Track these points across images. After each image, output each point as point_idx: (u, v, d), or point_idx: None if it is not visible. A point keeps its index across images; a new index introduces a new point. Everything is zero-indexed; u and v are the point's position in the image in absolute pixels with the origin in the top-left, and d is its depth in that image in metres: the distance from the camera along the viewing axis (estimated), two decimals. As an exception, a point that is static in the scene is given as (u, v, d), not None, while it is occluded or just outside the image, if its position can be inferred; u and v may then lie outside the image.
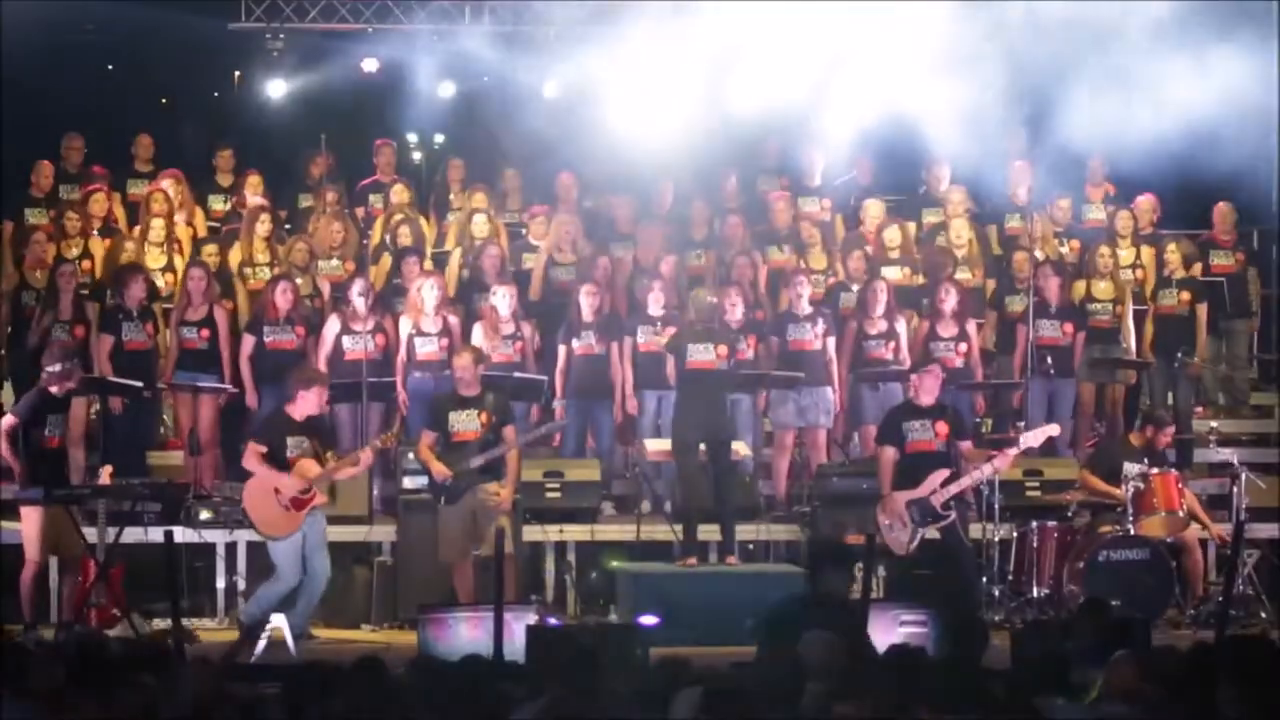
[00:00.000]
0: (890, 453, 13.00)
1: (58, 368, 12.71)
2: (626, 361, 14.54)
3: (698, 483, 13.36)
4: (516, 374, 14.31)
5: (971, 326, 14.91)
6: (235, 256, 15.49)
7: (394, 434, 13.55)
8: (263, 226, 15.52)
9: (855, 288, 15.25)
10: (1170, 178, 15.72)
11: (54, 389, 12.68)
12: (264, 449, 12.59)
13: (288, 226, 16.28)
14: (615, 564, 13.61)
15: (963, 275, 15.53)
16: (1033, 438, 13.07)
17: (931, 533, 12.79)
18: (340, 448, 14.09)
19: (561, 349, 14.62)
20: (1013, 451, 12.99)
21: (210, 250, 15.27)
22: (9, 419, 12.55)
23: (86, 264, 15.18)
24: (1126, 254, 15.89)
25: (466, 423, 13.01)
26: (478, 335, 14.39)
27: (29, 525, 12.45)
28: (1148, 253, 16.01)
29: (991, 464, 12.95)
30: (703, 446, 13.31)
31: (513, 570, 12.39)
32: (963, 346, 14.78)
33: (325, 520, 12.75)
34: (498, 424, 13.01)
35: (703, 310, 13.65)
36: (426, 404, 13.71)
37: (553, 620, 10.58)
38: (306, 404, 12.68)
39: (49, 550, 12.54)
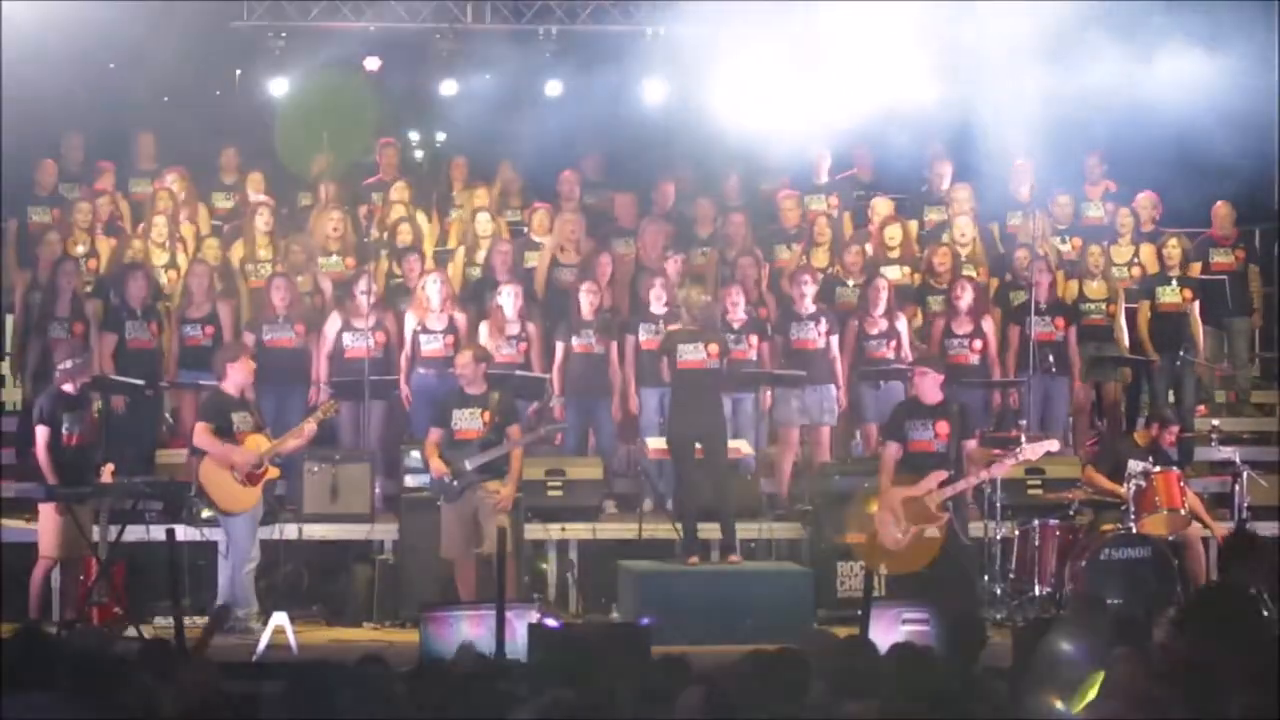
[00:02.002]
0: (893, 449, 12.99)
1: (69, 364, 12.74)
2: (628, 359, 14.55)
3: (694, 481, 13.37)
4: (519, 372, 14.32)
5: (988, 324, 14.91)
6: (237, 253, 15.51)
7: (334, 404, 13.62)
8: (264, 223, 15.54)
9: (851, 283, 15.25)
10: (1173, 175, 15.74)
11: (68, 386, 12.70)
12: (211, 426, 12.76)
13: (289, 225, 16.27)
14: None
15: (968, 273, 15.53)
16: (1031, 450, 13.06)
17: (932, 531, 12.77)
18: (342, 445, 14.18)
19: (559, 346, 14.62)
20: (1010, 461, 13.00)
21: (211, 245, 15.29)
22: (42, 431, 12.59)
23: (93, 263, 15.19)
24: (1126, 251, 15.90)
25: (469, 420, 13.04)
26: (483, 334, 14.41)
27: (46, 521, 12.46)
28: (1147, 250, 16.02)
29: (989, 470, 12.95)
30: (698, 445, 13.31)
31: (513, 569, 12.39)
32: (978, 344, 14.80)
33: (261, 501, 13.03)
34: (501, 423, 13.02)
35: (694, 309, 13.65)
36: (433, 401, 13.73)
37: (550, 621, 10.55)
38: (237, 377, 12.93)
39: (64, 548, 12.53)
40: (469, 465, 12.88)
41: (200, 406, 13.51)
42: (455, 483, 12.87)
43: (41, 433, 12.60)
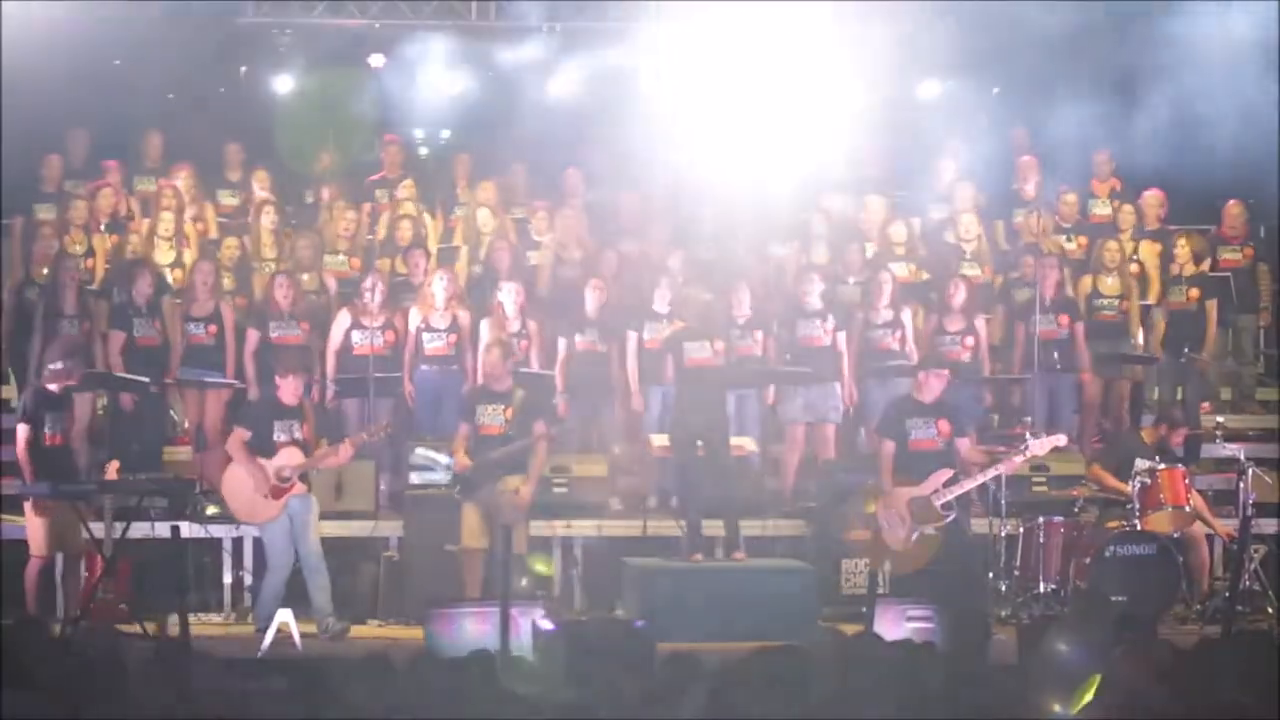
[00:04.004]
0: (890, 446, 12.98)
1: (59, 365, 12.72)
2: (632, 357, 14.55)
3: (697, 479, 13.38)
4: (522, 369, 14.32)
5: (980, 321, 14.89)
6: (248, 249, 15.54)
7: (383, 426, 13.57)
8: (268, 220, 15.56)
9: (852, 280, 15.25)
10: (1179, 173, 15.74)
11: (52, 386, 12.68)
12: (247, 435, 12.72)
13: (294, 223, 16.29)
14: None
15: (972, 270, 15.53)
16: (1039, 446, 13.06)
17: (929, 529, 12.77)
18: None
19: (561, 343, 14.62)
20: (1018, 459, 12.99)
21: (231, 244, 15.30)
22: (23, 428, 12.58)
23: (89, 262, 15.19)
24: (1126, 249, 15.88)
25: (492, 417, 13.05)
26: (484, 331, 14.41)
27: (32, 520, 12.47)
28: (1148, 248, 16.01)
29: (996, 468, 12.94)
30: (700, 443, 13.31)
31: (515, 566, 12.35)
32: (969, 341, 14.77)
33: (314, 506, 12.86)
34: (524, 420, 13.00)
35: (697, 308, 13.64)
36: (459, 397, 13.81)
37: (548, 624, 10.55)
38: (287, 389, 12.82)
39: (54, 545, 12.55)
40: (489, 458, 12.86)
41: (241, 411, 13.54)
42: (479, 475, 12.86)
43: (22, 430, 12.58)
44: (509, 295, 14.58)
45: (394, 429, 13.75)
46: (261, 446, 12.73)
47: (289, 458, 12.68)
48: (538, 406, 13.35)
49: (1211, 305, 15.59)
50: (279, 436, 12.75)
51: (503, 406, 13.05)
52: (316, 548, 12.76)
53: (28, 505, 12.53)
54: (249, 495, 12.70)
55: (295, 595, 13.01)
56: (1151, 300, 15.73)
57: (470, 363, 14.48)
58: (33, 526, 12.50)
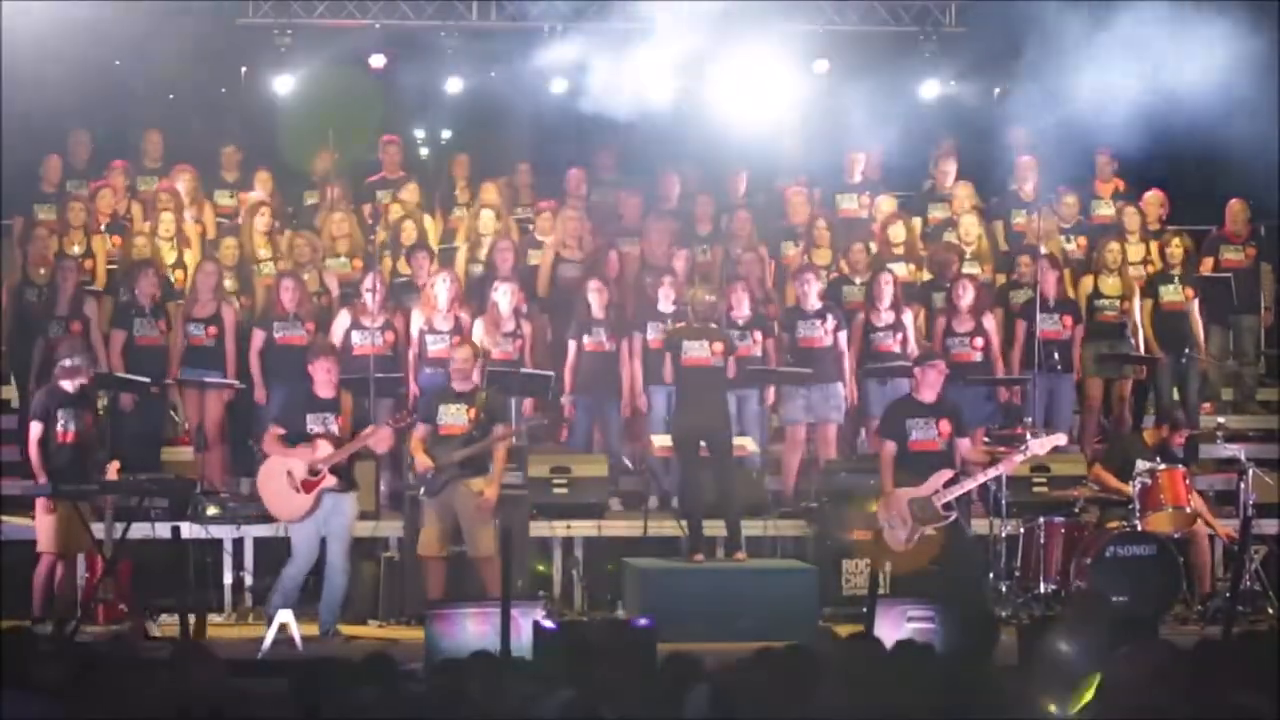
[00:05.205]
0: (891, 447, 12.97)
1: (69, 362, 12.73)
2: (635, 358, 14.54)
3: (699, 479, 13.37)
4: (523, 369, 14.31)
5: (989, 321, 14.88)
6: (245, 251, 15.52)
7: (407, 414, 13.52)
8: (261, 221, 15.55)
9: (858, 280, 15.25)
10: (1180, 173, 15.72)
11: (66, 384, 12.69)
12: (282, 431, 12.72)
13: (295, 222, 16.29)
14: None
15: (973, 270, 15.53)
16: (1039, 445, 13.06)
17: (930, 530, 12.76)
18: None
19: (571, 345, 14.61)
20: (1018, 458, 12.99)
21: (230, 244, 15.31)
22: (35, 427, 12.58)
23: (89, 262, 15.18)
24: (1137, 250, 15.87)
25: (455, 416, 12.98)
26: (478, 331, 14.39)
27: (43, 519, 12.46)
28: (1156, 248, 15.99)
29: (996, 468, 12.93)
30: (702, 443, 13.30)
31: (493, 567, 12.24)
32: (979, 341, 14.77)
33: (352, 512, 12.84)
34: (486, 421, 12.94)
35: (699, 308, 13.64)
36: (424, 397, 13.75)
37: (548, 622, 10.53)
38: (318, 377, 12.84)
39: (64, 543, 12.52)
40: (451, 459, 12.82)
41: (276, 407, 13.59)
42: (441, 477, 12.82)
43: (35, 429, 12.60)
44: (504, 295, 14.57)
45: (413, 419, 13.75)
46: (297, 441, 12.73)
47: (318, 449, 12.67)
48: (503, 408, 13.32)
49: (1198, 304, 15.56)
50: (313, 429, 12.74)
51: (466, 407, 13.00)
52: (342, 559, 12.78)
53: (39, 503, 12.52)
54: (284, 490, 12.68)
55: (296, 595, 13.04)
56: (1150, 300, 15.71)
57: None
58: (43, 524, 12.50)
